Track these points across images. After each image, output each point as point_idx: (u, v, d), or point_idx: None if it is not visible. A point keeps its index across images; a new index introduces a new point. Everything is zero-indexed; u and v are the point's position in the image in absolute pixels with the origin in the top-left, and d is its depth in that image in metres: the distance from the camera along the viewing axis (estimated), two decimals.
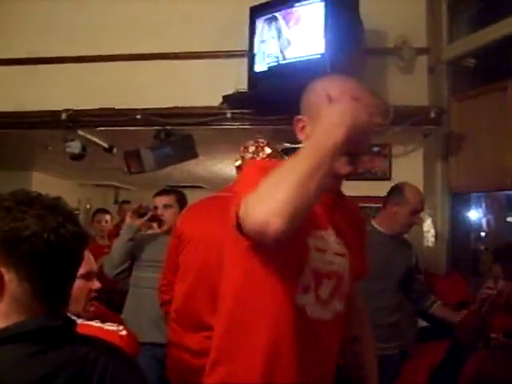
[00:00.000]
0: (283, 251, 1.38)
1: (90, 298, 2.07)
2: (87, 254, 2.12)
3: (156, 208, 3.39)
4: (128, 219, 3.33)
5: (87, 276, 2.03)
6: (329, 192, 1.50)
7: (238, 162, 2.60)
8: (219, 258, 1.60)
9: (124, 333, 1.86)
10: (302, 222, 1.29)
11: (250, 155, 2.54)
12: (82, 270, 2.00)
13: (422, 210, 3.16)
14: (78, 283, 2.01)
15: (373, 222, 3.17)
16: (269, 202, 1.21)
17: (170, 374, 2.61)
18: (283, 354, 1.42)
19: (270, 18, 3.47)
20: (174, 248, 2.66)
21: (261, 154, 2.53)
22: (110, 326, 1.89)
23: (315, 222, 1.49)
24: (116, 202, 8.24)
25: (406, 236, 3.32)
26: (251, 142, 2.59)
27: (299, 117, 1.54)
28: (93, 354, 1.11)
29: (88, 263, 2.07)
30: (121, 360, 1.17)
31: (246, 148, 2.58)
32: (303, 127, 1.52)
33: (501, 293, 2.72)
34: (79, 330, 1.20)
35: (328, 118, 1.29)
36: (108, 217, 5.30)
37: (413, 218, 3.10)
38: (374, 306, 2.96)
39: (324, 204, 1.50)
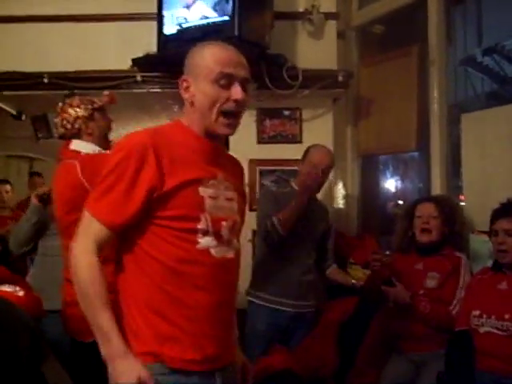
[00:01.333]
0: (177, 205, 1.54)
1: None
2: None
3: None
4: (33, 200, 3.18)
5: None
6: (213, 144, 1.66)
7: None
8: None
9: (21, 293, 1.86)
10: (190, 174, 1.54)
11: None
12: None
13: (327, 168, 3.17)
14: None
15: (292, 183, 3.23)
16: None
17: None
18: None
19: None
20: None
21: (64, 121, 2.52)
22: (7, 288, 1.87)
23: (205, 173, 1.61)
24: (31, 174, 7.97)
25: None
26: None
27: (184, 77, 1.64)
28: None
29: None
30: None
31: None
32: (187, 87, 1.63)
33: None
34: None
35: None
36: (8, 187, 5.07)
37: (312, 175, 3.08)
38: (291, 264, 3.11)
39: (211, 155, 1.65)
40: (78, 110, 2.50)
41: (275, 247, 3.07)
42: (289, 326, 3.13)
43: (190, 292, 1.54)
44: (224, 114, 1.61)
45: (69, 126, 2.49)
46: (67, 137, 2.51)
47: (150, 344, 1.51)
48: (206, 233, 1.57)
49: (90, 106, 2.52)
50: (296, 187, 3.17)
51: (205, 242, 1.56)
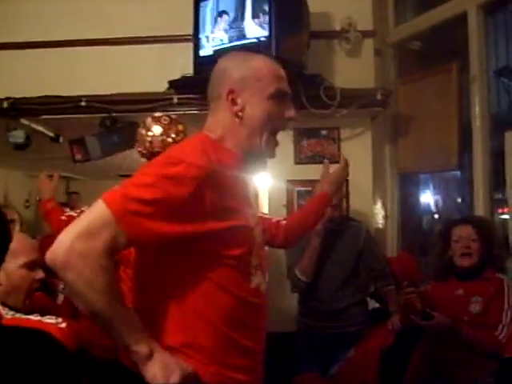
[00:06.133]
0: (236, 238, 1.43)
1: (33, 289, 2.03)
2: (30, 243, 2.07)
3: None
4: None
5: (31, 265, 1.99)
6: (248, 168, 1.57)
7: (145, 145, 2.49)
8: None
9: (63, 325, 1.83)
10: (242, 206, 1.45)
11: (159, 137, 2.45)
12: (24, 260, 1.96)
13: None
14: (21, 272, 1.97)
15: None
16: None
17: None
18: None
19: (214, 2, 3.43)
20: None
21: (170, 136, 2.46)
22: (48, 319, 1.85)
23: (246, 200, 1.53)
24: (68, 193, 8.11)
25: (356, 217, 3.43)
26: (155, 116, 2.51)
27: (230, 87, 1.53)
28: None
29: (32, 252, 2.02)
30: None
31: (156, 119, 2.49)
32: (234, 99, 1.53)
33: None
34: (18, 323, 1.16)
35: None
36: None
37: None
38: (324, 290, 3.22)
39: (247, 181, 1.57)
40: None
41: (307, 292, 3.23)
42: (331, 345, 3.22)
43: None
44: (275, 133, 1.55)
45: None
46: (147, 157, 2.46)
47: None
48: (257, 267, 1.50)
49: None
50: None
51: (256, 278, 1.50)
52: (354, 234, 3.28)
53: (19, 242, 1.95)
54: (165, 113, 2.61)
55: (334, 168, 3.37)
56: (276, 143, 1.57)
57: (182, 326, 1.41)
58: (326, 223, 3.08)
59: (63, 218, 2.78)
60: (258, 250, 1.51)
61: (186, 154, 1.39)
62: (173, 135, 2.44)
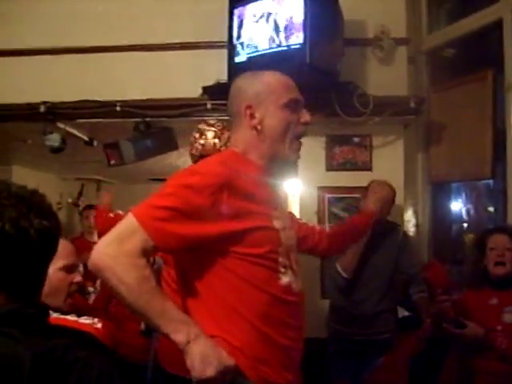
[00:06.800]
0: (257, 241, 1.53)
1: (71, 291, 2.07)
2: (69, 247, 2.11)
3: None
4: None
5: (69, 268, 2.03)
6: (274, 174, 1.69)
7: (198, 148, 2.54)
8: None
9: (99, 325, 1.87)
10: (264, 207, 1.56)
11: (211, 140, 2.50)
12: (63, 263, 2.00)
13: (390, 201, 3.21)
14: (59, 275, 2.01)
15: None
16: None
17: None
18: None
19: (249, 9, 3.46)
20: None
21: (222, 140, 2.50)
22: (85, 320, 1.89)
23: (272, 204, 1.64)
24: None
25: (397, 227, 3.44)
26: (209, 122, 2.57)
27: (246, 103, 1.65)
28: (64, 345, 1.09)
29: (70, 256, 2.06)
30: (92, 350, 1.16)
31: (210, 125, 2.55)
32: (252, 114, 1.64)
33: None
34: (54, 323, 1.19)
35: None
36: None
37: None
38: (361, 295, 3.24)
39: (270, 185, 1.67)
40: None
41: (344, 290, 3.21)
42: (362, 352, 3.22)
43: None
44: (296, 138, 1.66)
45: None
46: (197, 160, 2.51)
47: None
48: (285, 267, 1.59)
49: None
50: None
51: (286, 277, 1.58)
52: (392, 236, 3.31)
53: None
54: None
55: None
56: (299, 147, 1.69)
57: (219, 321, 1.52)
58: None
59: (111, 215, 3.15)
60: (286, 251, 1.61)
61: (205, 167, 1.57)
62: (224, 141, 2.49)
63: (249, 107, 1.64)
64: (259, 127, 1.63)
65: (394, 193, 3.23)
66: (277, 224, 1.60)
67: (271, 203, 1.64)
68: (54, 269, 2.00)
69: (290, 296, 1.58)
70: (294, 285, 1.60)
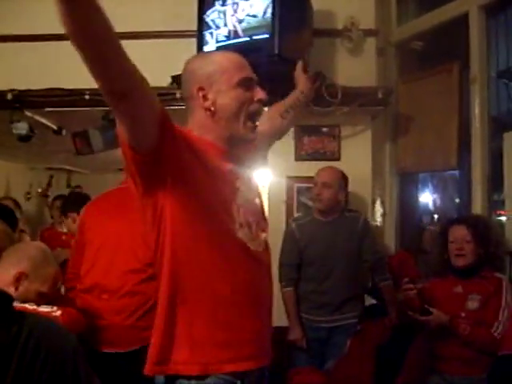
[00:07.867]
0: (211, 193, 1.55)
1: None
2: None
3: None
4: None
5: None
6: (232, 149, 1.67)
7: None
8: None
9: (58, 313, 1.88)
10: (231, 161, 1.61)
11: None
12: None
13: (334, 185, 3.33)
14: None
15: (313, 212, 3.46)
16: None
17: None
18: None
19: None
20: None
21: None
22: (44, 308, 1.90)
23: (239, 167, 1.66)
24: (68, 185, 8.12)
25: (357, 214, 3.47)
26: None
27: (197, 86, 1.63)
28: (25, 330, 1.10)
29: None
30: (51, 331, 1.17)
31: None
32: (205, 96, 1.62)
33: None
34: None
35: None
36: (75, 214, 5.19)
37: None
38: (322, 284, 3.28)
39: (232, 159, 1.66)
40: None
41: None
42: (327, 337, 3.27)
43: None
44: (250, 117, 1.64)
45: None
46: None
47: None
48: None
49: None
50: (315, 215, 3.37)
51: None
52: (353, 223, 3.35)
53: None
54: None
55: (335, 166, 3.48)
56: (255, 126, 1.67)
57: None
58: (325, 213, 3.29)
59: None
60: (245, 211, 1.62)
61: None
62: None
63: (201, 89, 1.62)
64: (213, 108, 1.60)
65: (339, 177, 3.34)
66: (240, 183, 1.65)
67: (241, 166, 1.67)
68: None
69: (248, 250, 1.61)
70: (250, 244, 1.61)
